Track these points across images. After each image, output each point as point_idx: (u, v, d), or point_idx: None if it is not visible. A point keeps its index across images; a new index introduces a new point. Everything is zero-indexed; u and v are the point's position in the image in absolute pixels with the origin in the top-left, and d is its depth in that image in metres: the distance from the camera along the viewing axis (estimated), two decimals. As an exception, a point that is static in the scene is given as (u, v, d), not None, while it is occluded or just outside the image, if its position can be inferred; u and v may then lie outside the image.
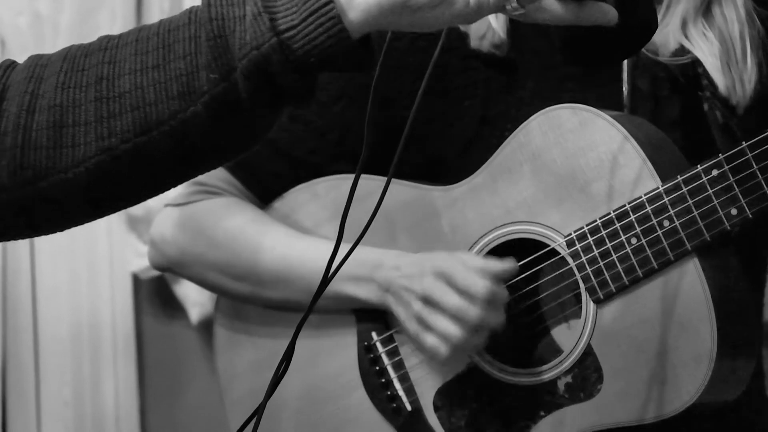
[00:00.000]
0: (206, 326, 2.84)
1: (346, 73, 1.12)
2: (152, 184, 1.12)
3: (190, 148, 1.08)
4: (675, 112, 1.49)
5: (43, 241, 2.71)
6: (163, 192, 1.15)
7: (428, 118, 1.54)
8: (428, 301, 1.44)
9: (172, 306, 2.84)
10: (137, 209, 2.72)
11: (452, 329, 1.42)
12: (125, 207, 1.15)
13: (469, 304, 1.41)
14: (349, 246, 1.53)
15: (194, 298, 2.78)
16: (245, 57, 1.05)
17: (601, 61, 1.25)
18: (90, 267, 2.76)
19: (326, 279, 1.18)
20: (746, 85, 1.43)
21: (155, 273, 2.80)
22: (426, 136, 1.55)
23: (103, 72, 1.08)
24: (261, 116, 1.09)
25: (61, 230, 1.16)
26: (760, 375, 1.60)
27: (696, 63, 1.46)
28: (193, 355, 2.87)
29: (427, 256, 1.46)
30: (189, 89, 1.06)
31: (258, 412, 1.13)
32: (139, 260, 2.79)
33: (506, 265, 1.43)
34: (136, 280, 2.85)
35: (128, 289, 2.81)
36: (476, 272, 1.42)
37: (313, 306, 1.19)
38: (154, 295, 2.87)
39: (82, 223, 1.15)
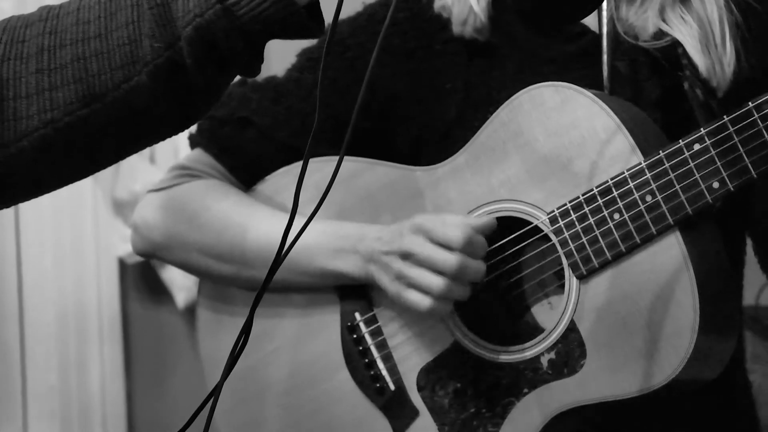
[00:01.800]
0: (192, 311, 2.82)
1: (296, 39, 1.09)
2: (98, 157, 1.10)
3: (135, 119, 1.06)
4: (655, 93, 1.50)
5: (29, 226, 2.70)
6: (111, 165, 1.13)
7: (411, 100, 1.55)
8: (407, 257, 1.44)
9: (158, 291, 2.83)
10: (123, 194, 2.71)
11: (433, 280, 1.42)
12: (72, 181, 1.12)
13: (449, 252, 1.41)
14: (332, 221, 1.54)
15: (180, 283, 2.78)
16: (189, 25, 1.03)
17: (559, 21, 1.26)
18: (76, 252, 2.75)
19: (281, 252, 1.15)
20: (726, 68, 1.45)
21: (141, 258, 2.80)
22: (409, 119, 1.55)
23: (44, 43, 1.05)
24: (207, 85, 1.07)
25: (6, 207, 1.13)
26: (742, 357, 1.60)
27: (676, 44, 1.47)
28: (179, 339, 2.86)
29: (406, 220, 1.47)
30: (132, 59, 1.04)
31: (215, 391, 1.12)
32: (125, 245, 2.78)
33: (484, 219, 1.43)
34: (122, 264, 2.84)
35: (114, 273, 2.80)
36: (453, 225, 1.42)
37: (270, 279, 1.17)
38: (140, 279, 2.87)
39: (27, 199, 1.12)
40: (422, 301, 1.43)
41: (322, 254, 1.50)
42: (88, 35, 1.05)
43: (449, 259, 1.41)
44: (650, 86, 1.50)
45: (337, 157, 1.55)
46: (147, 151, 2.68)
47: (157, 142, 1.12)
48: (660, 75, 1.50)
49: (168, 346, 2.85)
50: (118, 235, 2.80)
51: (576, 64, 1.51)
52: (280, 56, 1.65)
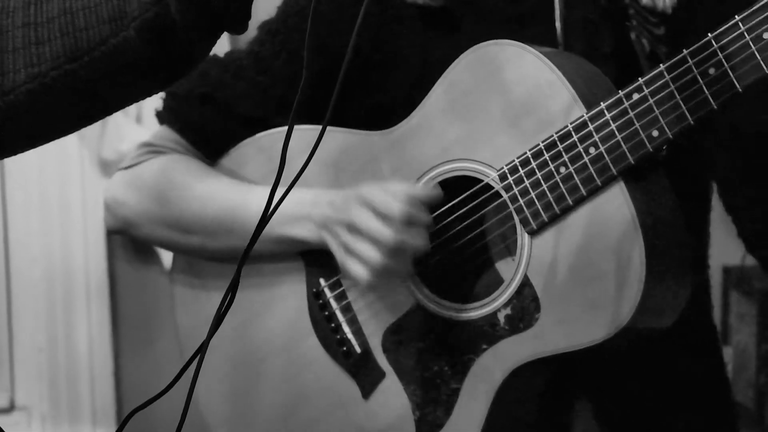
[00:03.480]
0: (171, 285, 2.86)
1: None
2: (86, 111, 1.10)
3: (123, 74, 1.06)
4: (607, 46, 1.50)
5: (15, 187, 2.72)
6: (99, 119, 1.13)
7: (370, 67, 1.56)
8: (352, 228, 1.46)
9: (145, 251, 2.84)
10: (110, 154, 2.73)
11: (371, 253, 1.44)
12: (61, 135, 1.12)
13: (385, 226, 1.43)
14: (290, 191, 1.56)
15: None
16: None
17: None
18: (63, 212, 2.76)
19: (263, 222, 1.18)
20: None
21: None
22: (369, 85, 1.57)
23: None
24: (194, 41, 1.06)
25: None
26: (708, 307, 1.61)
27: None
28: (167, 300, 2.85)
29: (356, 188, 1.48)
30: (120, 14, 1.03)
31: (201, 350, 1.14)
32: None
33: (429, 190, 1.45)
34: None
35: (101, 234, 2.81)
36: (394, 196, 1.43)
37: (249, 251, 1.20)
38: (128, 240, 2.88)
39: (15, 153, 1.12)
40: (362, 273, 1.45)
41: (278, 221, 1.53)
42: None
43: (386, 234, 1.43)
44: (600, 38, 1.50)
45: (306, 126, 1.58)
46: (133, 110, 2.69)
47: (144, 97, 1.12)
48: (609, 26, 1.50)
49: (155, 306, 2.86)
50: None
51: (532, 21, 1.52)
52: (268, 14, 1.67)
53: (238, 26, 1.07)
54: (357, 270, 1.45)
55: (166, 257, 2.79)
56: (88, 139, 2.75)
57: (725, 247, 1.64)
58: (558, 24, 1.50)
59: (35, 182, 2.73)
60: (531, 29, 1.51)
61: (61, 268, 2.78)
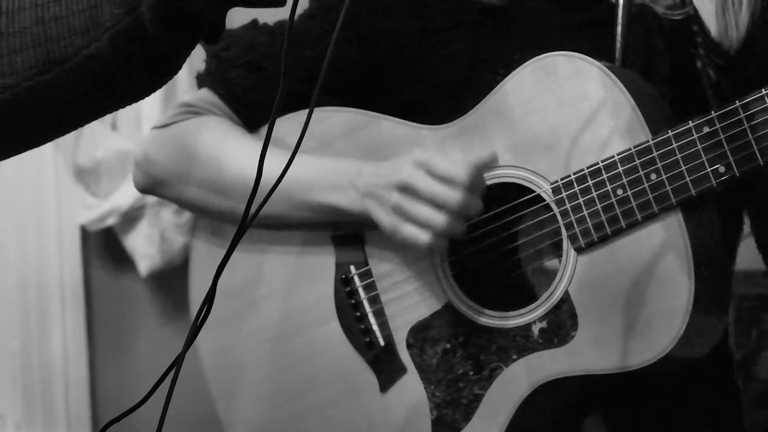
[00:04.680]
0: (155, 278, 2.84)
1: (259, 7, 1.08)
2: (59, 122, 1.08)
3: (96, 85, 1.05)
4: (666, 68, 1.50)
5: None
6: (72, 130, 1.11)
7: (418, 58, 1.54)
8: (407, 190, 1.43)
9: (120, 258, 2.82)
10: (86, 161, 2.70)
11: (435, 215, 1.41)
12: (34, 146, 1.11)
13: (452, 189, 1.41)
14: (326, 159, 1.53)
15: (143, 251, 2.78)
16: None
17: None
18: (37, 219, 2.74)
19: (255, 188, 1.13)
20: (740, 27, 1.44)
21: (103, 225, 2.79)
22: (415, 76, 1.54)
23: (2, 6, 1.03)
24: (168, 52, 1.05)
25: None
26: (726, 334, 1.62)
27: (692, 19, 1.47)
28: (142, 307, 2.86)
29: (406, 154, 1.46)
30: (93, 24, 1.02)
31: (177, 362, 1.11)
32: (87, 212, 2.77)
33: (487, 152, 1.44)
34: (84, 232, 2.83)
35: (76, 241, 2.79)
36: (456, 161, 1.42)
37: (237, 242, 1.15)
38: (103, 247, 2.86)
39: None
40: (421, 236, 1.42)
41: (318, 188, 1.50)
42: None
43: (453, 195, 1.41)
44: (662, 61, 1.49)
45: (342, 109, 1.56)
46: (108, 117, 2.66)
47: (118, 108, 1.11)
48: (673, 50, 1.50)
49: (130, 313, 2.85)
50: (79, 202, 2.79)
51: (588, 32, 1.51)
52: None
53: (211, 37, 1.06)
54: (414, 232, 1.42)
55: (141, 264, 2.77)
56: (62, 146, 2.72)
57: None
58: (618, 39, 1.49)
59: (10, 189, 2.70)
60: (589, 40, 1.50)
61: (35, 274, 2.75)
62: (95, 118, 1.10)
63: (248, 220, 1.12)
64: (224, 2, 1.02)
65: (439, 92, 1.53)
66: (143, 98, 1.10)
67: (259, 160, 1.12)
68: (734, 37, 1.43)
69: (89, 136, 2.69)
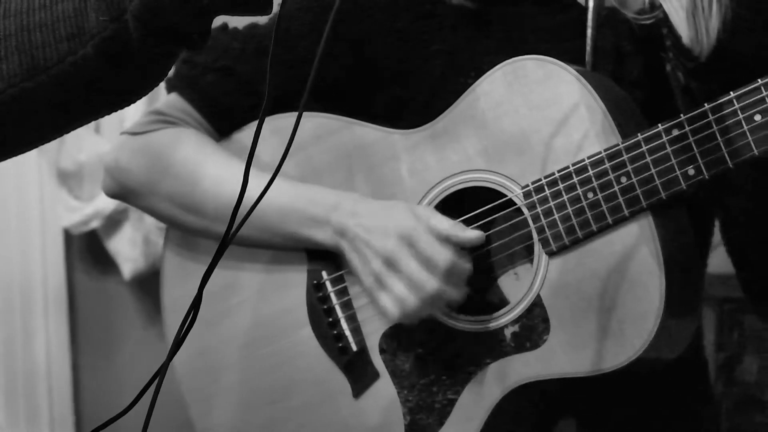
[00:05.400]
0: (138, 282, 2.83)
1: (244, 15, 1.08)
2: (44, 130, 1.08)
3: (81, 93, 1.04)
4: (636, 71, 1.50)
5: None
6: (53, 139, 1.11)
7: (395, 60, 1.54)
8: (389, 263, 1.44)
9: (104, 261, 2.82)
10: (69, 164, 2.70)
11: (408, 296, 1.42)
12: (18, 153, 1.11)
13: (429, 275, 1.41)
14: (309, 185, 1.53)
15: (126, 254, 2.77)
16: None
17: None
18: (20, 223, 2.73)
19: (235, 213, 1.14)
20: (711, 33, 1.44)
21: (87, 228, 2.79)
22: (391, 79, 1.54)
23: None
24: (153, 60, 1.05)
25: None
26: (700, 336, 1.62)
27: (660, 23, 1.47)
28: (125, 310, 2.85)
29: (389, 212, 1.45)
30: (78, 31, 1.02)
31: (161, 371, 1.10)
32: (71, 215, 2.77)
33: (473, 234, 1.43)
34: (68, 235, 2.83)
35: (60, 244, 2.79)
36: (440, 241, 1.42)
37: (218, 258, 1.15)
38: (86, 250, 2.85)
39: None
40: (393, 311, 1.44)
41: (294, 220, 1.50)
42: (33, 6, 1.03)
43: (430, 284, 1.42)
44: (632, 64, 1.50)
45: (319, 114, 1.55)
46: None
47: (104, 115, 1.10)
48: (642, 54, 1.50)
49: (114, 317, 2.84)
50: (63, 205, 2.78)
51: (561, 35, 1.51)
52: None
53: (196, 46, 1.06)
54: (388, 306, 1.44)
55: (125, 267, 2.77)
56: (46, 149, 2.72)
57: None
58: (588, 42, 1.49)
59: (-8, 192, 2.68)
60: (561, 43, 1.50)
61: (18, 277, 2.74)
62: (82, 124, 1.10)
63: (229, 237, 1.12)
64: (209, 12, 1.02)
65: (415, 96, 1.53)
66: (129, 105, 1.10)
67: (245, 173, 1.11)
68: (705, 43, 1.43)
69: (73, 139, 2.69)
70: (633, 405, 1.54)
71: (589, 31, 1.48)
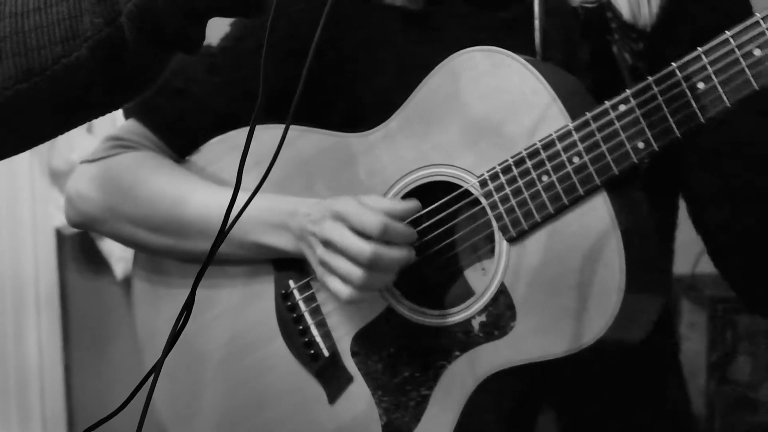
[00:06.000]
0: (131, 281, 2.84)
1: (237, 17, 1.09)
2: (38, 131, 1.10)
3: (76, 94, 1.06)
4: (585, 57, 1.51)
5: None
6: (51, 139, 1.12)
7: (347, 68, 1.55)
8: (328, 245, 1.44)
9: (96, 261, 2.82)
10: (61, 164, 2.70)
11: (352, 270, 1.42)
12: (12, 155, 1.12)
13: (365, 241, 1.41)
14: (267, 194, 1.54)
15: (119, 253, 2.77)
16: (130, 0, 1.02)
17: None
18: (12, 222, 2.73)
19: (223, 230, 1.16)
20: (652, 2, 1.45)
21: (76, 229, 2.79)
22: (345, 87, 1.55)
23: None
24: (148, 62, 1.06)
25: None
26: (672, 321, 1.62)
27: (604, 7, 1.48)
28: (117, 310, 2.85)
29: (331, 200, 1.46)
30: (72, 33, 1.03)
31: (155, 369, 1.11)
32: (63, 215, 2.77)
33: (406, 203, 1.43)
34: (60, 235, 2.83)
35: (52, 244, 2.79)
36: (370, 211, 1.42)
37: (214, 253, 1.17)
38: (78, 250, 2.85)
39: None
40: (341, 289, 1.43)
41: (255, 229, 1.51)
42: (27, 8, 1.04)
43: (364, 250, 1.41)
44: (580, 50, 1.51)
45: (274, 126, 1.56)
46: None
47: (98, 116, 1.11)
48: (589, 39, 1.51)
49: (106, 317, 2.84)
50: (54, 205, 2.79)
51: (510, 30, 1.52)
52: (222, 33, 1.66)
53: (191, 48, 1.07)
54: (337, 287, 1.44)
55: (117, 267, 2.76)
56: (38, 149, 2.71)
57: (676, 256, 1.65)
58: (537, 34, 1.50)
59: (-17, 192, 2.69)
60: (511, 38, 1.51)
61: (10, 277, 2.74)
62: (74, 126, 1.11)
63: (219, 245, 1.14)
64: (204, 14, 1.04)
65: (373, 99, 1.54)
66: (123, 107, 1.11)
67: (237, 175, 1.13)
68: (647, 13, 1.44)
69: (64, 139, 2.70)
70: (608, 391, 1.54)
71: (536, 22, 1.50)
